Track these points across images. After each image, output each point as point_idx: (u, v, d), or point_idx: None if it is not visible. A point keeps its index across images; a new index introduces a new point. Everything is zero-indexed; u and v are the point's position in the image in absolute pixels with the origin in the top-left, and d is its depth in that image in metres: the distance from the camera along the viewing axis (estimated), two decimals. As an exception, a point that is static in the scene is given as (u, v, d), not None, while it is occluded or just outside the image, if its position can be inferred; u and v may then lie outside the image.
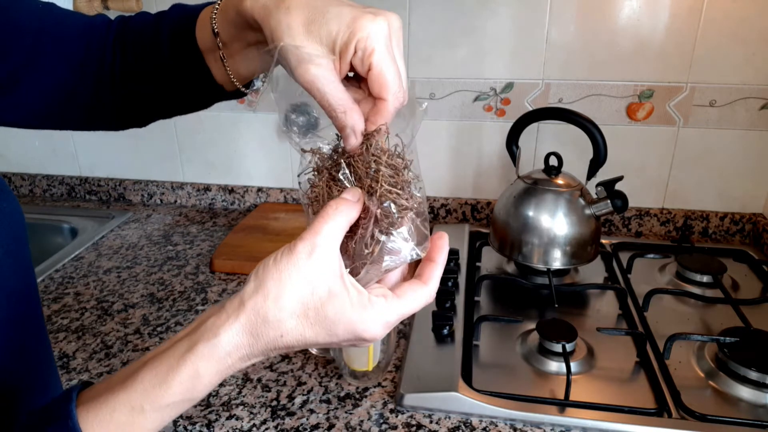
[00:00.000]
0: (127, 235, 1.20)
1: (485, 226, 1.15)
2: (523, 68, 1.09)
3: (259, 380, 0.75)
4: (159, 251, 1.12)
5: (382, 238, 0.41)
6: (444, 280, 0.94)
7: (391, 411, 0.70)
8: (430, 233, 0.44)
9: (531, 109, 1.05)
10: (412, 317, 0.87)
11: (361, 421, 0.69)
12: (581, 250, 0.94)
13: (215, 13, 0.47)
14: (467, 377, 0.75)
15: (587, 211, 0.93)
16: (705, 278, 0.97)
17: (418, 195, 0.43)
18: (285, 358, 0.80)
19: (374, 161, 0.42)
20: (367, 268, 0.41)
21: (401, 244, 0.41)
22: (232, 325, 0.37)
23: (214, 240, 1.17)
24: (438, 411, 0.70)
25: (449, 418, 0.69)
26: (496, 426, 0.68)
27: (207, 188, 1.33)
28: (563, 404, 0.71)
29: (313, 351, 0.76)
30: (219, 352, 0.37)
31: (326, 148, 0.44)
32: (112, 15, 1.27)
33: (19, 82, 0.51)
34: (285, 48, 0.40)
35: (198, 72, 0.51)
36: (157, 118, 0.59)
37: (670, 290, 0.94)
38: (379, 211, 0.41)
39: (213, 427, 0.68)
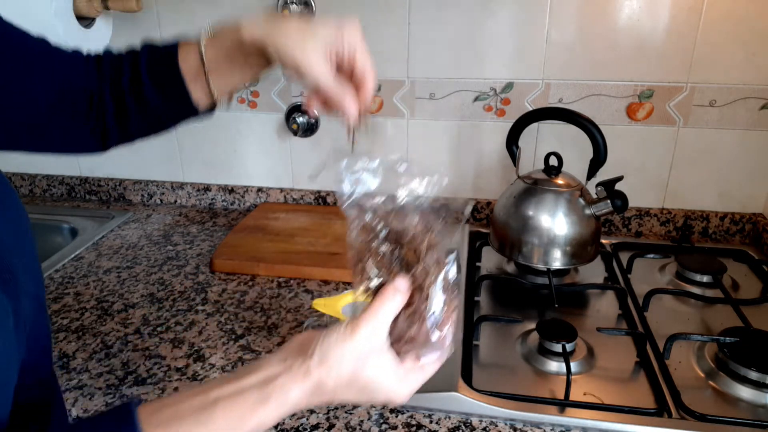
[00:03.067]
0: (127, 235, 1.20)
1: (485, 226, 1.15)
2: (523, 68, 1.09)
3: (259, 380, 0.75)
4: (159, 251, 1.12)
5: (430, 337, 0.49)
6: (444, 280, 0.94)
7: (391, 411, 0.70)
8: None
9: (531, 109, 1.05)
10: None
11: (361, 421, 0.69)
12: (581, 250, 0.94)
13: (204, 45, 0.56)
14: (467, 377, 0.75)
15: (587, 211, 0.93)
16: (705, 278, 0.97)
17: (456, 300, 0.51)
18: (285, 358, 0.80)
19: (425, 260, 0.49)
20: (407, 348, 0.49)
21: (441, 344, 0.49)
22: (300, 389, 0.45)
23: (214, 240, 1.17)
24: (438, 411, 0.70)
25: (449, 418, 0.69)
26: (496, 426, 0.68)
27: (207, 188, 1.33)
28: (563, 404, 0.71)
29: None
30: (285, 407, 0.45)
31: (368, 216, 0.52)
32: (112, 15, 1.27)
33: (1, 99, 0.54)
34: (292, 59, 0.53)
35: (177, 96, 0.58)
36: (128, 142, 0.64)
37: (670, 290, 0.94)
38: (417, 295, 0.48)
39: (213, 427, 0.68)
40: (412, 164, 0.53)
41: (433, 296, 0.49)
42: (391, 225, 0.51)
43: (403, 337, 0.49)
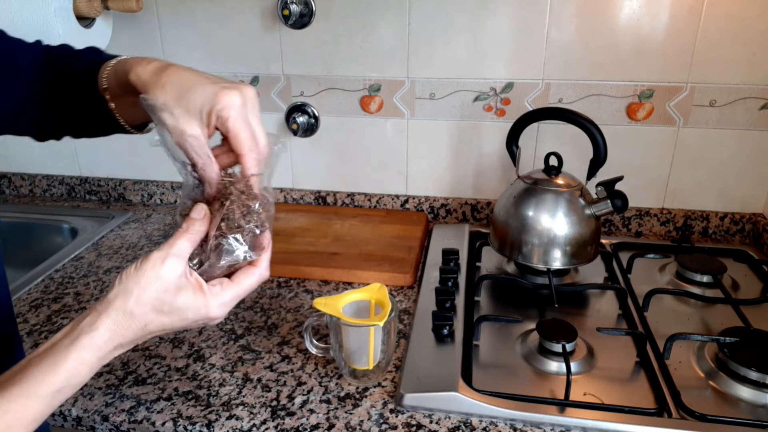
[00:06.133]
0: (127, 235, 1.20)
1: (485, 226, 1.15)
2: (523, 68, 1.09)
3: (259, 380, 0.75)
4: (159, 251, 1.12)
5: (221, 241, 0.53)
6: (444, 280, 0.94)
7: (391, 411, 0.70)
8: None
9: (531, 109, 1.05)
10: (411, 318, 0.87)
11: (361, 421, 0.69)
12: (581, 250, 0.94)
13: (106, 73, 0.57)
14: (467, 377, 0.75)
15: (587, 211, 0.93)
16: (705, 278, 0.97)
17: (259, 211, 0.54)
18: (285, 358, 0.80)
19: (227, 194, 0.54)
20: (209, 263, 0.53)
21: (236, 246, 0.53)
22: (106, 320, 0.48)
23: (214, 240, 1.16)
24: (438, 411, 0.70)
25: (449, 418, 0.69)
26: (496, 426, 0.68)
27: (207, 188, 1.33)
28: (563, 404, 0.71)
29: (313, 351, 0.76)
30: (98, 341, 0.48)
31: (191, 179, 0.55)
32: (112, 15, 1.27)
33: None
34: (163, 117, 0.52)
35: (101, 114, 0.60)
36: (70, 135, 0.67)
37: (670, 290, 0.94)
38: (223, 224, 0.53)
39: (213, 427, 0.68)
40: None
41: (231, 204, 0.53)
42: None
43: (206, 250, 0.53)
